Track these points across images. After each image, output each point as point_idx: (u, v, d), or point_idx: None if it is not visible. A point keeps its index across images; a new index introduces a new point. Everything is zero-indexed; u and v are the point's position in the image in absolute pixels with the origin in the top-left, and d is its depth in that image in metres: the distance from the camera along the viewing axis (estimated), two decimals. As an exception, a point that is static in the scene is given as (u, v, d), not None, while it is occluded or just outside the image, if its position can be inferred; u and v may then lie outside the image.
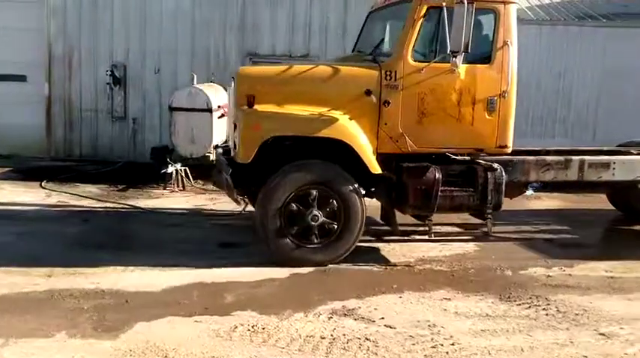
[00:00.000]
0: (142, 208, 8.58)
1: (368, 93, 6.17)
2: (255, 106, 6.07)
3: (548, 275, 6.22)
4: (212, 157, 10.46)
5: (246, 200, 6.81)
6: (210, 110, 10.18)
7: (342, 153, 6.10)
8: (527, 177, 7.07)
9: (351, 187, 6.09)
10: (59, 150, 12.19)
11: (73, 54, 12.02)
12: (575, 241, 7.73)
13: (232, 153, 6.42)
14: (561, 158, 7.26)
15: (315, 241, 6.12)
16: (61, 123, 12.15)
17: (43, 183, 9.79)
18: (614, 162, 7.36)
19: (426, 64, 6.18)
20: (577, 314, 5.15)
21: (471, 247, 7.21)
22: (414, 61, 6.21)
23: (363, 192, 6.35)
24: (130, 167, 11.45)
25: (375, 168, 6.06)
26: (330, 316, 4.96)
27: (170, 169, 9.97)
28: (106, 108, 12.05)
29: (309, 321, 4.85)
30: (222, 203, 9.11)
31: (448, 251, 7.01)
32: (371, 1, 7.81)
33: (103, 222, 7.78)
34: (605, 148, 8.43)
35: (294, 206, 6.04)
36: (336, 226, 6.13)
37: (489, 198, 6.30)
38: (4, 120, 12.07)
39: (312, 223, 6.05)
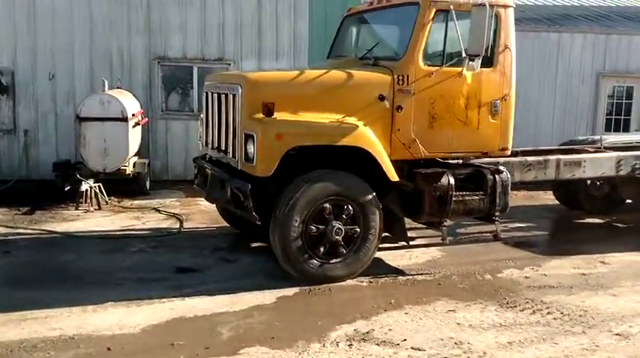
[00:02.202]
0: (64, 233, 7.48)
1: (381, 98, 5.97)
2: (275, 114, 5.60)
3: (526, 277, 6.28)
4: (128, 171, 9.55)
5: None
6: (125, 119, 9.25)
7: (356, 162, 5.80)
8: (512, 178, 7.07)
9: (370, 197, 5.81)
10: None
11: (-54, 57, 10.34)
12: (527, 239, 7.93)
13: (241, 167, 5.77)
14: (540, 158, 7.50)
15: (344, 253, 5.80)
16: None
17: None
18: (585, 161, 7.74)
19: (437, 68, 6.07)
20: (581, 316, 5.18)
21: (433, 253, 7.10)
22: (425, 65, 6.05)
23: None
24: (25, 185, 10.11)
25: (394, 176, 5.82)
26: (349, 343, 4.52)
27: (84, 186, 8.85)
28: (-8, 120, 10.52)
29: (331, 352, 4.37)
30: (150, 221, 8.33)
31: (416, 258, 6.85)
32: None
33: (27, 253, 6.63)
34: (561, 147, 8.86)
35: (314, 225, 5.66)
36: (358, 229, 5.81)
37: (498, 200, 6.25)
38: None
39: (335, 237, 5.70)
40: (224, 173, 6.11)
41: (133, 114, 9.51)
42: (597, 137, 9.36)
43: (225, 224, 7.61)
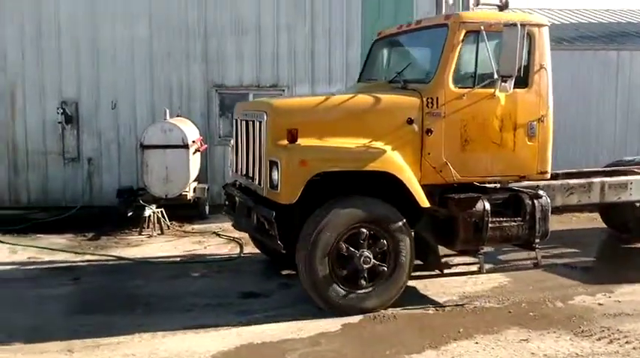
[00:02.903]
0: (130, 259, 7.65)
1: (410, 121, 5.85)
2: (299, 141, 5.59)
3: (600, 304, 6.03)
4: (189, 196, 9.74)
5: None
6: (186, 146, 9.47)
7: (382, 188, 5.67)
8: (554, 202, 6.91)
9: (400, 224, 5.66)
10: (3, 197, 10.89)
11: (16, 91, 10.86)
12: (593, 264, 7.66)
13: (265, 194, 5.76)
14: (584, 181, 7.25)
15: (365, 285, 5.61)
16: (4, 168, 10.89)
17: (-1, 237, 8.59)
18: (631, 183, 7.46)
19: (468, 89, 5.93)
20: (664, 346, 4.95)
21: (499, 278, 6.91)
22: (455, 87, 5.93)
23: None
24: (89, 212, 10.40)
25: (424, 201, 5.66)
26: (421, 373, 4.44)
27: (147, 212, 9.07)
28: (57, 149, 10.94)
29: (404, 382, 4.30)
30: (212, 246, 8.45)
31: (482, 285, 6.68)
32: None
33: (96, 279, 6.80)
34: (605, 169, 8.57)
35: (343, 248, 5.53)
36: (386, 268, 5.65)
37: (537, 226, 6.03)
38: None
39: (364, 266, 5.56)
40: (251, 200, 6.09)
41: (193, 141, 9.72)
42: None
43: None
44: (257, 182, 6.04)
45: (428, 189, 5.83)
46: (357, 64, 11.61)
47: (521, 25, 5.52)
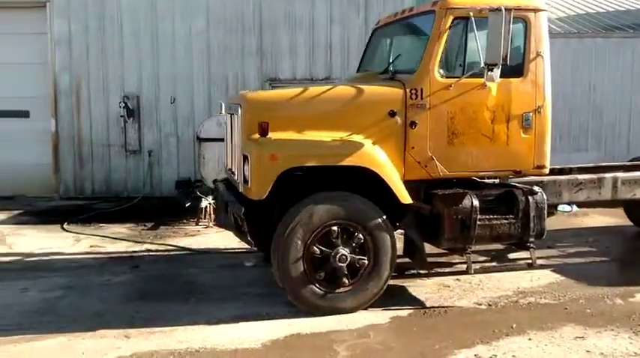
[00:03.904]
0: (187, 248, 7.88)
1: (392, 114, 5.54)
2: (270, 134, 5.37)
3: (663, 302, 5.78)
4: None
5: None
6: (241, 139, 9.59)
7: (364, 183, 5.44)
8: (560, 198, 6.59)
9: (380, 221, 5.40)
10: (69, 188, 11.40)
11: (81, 86, 11.35)
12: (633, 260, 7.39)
13: (241, 189, 5.55)
14: (594, 176, 6.82)
15: (347, 284, 5.41)
16: (70, 160, 11.39)
17: (64, 226, 9.00)
18: None
19: (455, 79, 5.56)
20: None
21: (555, 274, 6.71)
22: (442, 77, 5.59)
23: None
24: (149, 202, 10.76)
25: (406, 197, 5.39)
26: (471, 368, 4.38)
27: (203, 203, 9.28)
28: (119, 142, 11.36)
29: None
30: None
31: (538, 280, 6.50)
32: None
33: (154, 268, 7.03)
34: (627, 163, 8.11)
35: (317, 247, 5.32)
36: (366, 261, 5.43)
37: (532, 225, 5.66)
38: (7, 159, 11.29)
39: (340, 264, 5.33)
40: (231, 195, 5.86)
41: (247, 134, 9.86)
42: None
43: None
44: (236, 177, 5.85)
45: (413, 185, 5.60)
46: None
47: (506, 9, 5.13)
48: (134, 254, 7.62)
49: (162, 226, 9.16)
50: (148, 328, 5.13)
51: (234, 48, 11.39)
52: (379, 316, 5.44)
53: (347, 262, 5.35)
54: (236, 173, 5.82)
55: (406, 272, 6.57)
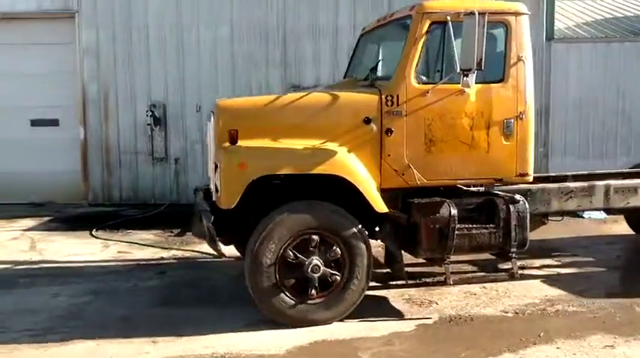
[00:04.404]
0: (213, 254, 7.92)
1: (367, 121, 5.41)
2: (240, 142, 5.29)
3: (694, 311, 5.65)
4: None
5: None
6: (265, 146, 9.65)
7: (341, 191, 5.32)
8: (549, 207, 6.36)
9: (355, 230, 5.27)
10: (97, 195, 11.59)
11: (109, 94, 11.53)
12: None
13: (214, 198, 5.48)
14: (585, 184, 6.60)
15: (315, 295, 5.27)
16: (99, 167, 11.58)
17: (93, 232, 9.16)
18: None
19: (432, 85, 5.44)
20: None
21: (583, 281, 6.62)
22: (418, 83, 5.47)
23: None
24: (175, 209, 10.86)
25: (380, 206, 5.26)
26: (498, 376, 4.34)
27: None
28: (146, 150, 11.52)
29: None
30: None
31: (565, 287, 6.40)
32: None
33: (180, 273, 7.10)
34: (628, 171, 7.91)
35: (290, 256, 5.21)
36: (339, 277, 5.30)
37: (513, 234, 5.48)
38: (37, 167, 11.53)
39: (313, 275, 5.22)
40: (205, 204, 5.78)
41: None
42: None
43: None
44: (212, 185, 5.78)
45: (391, 194, 5.49)
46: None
47: (480, 13, 5.00)
48: (161, 260, 7.71)
49: (189, 232, 9.21)
50: (175, 333, 5.18)
51: (259, 56, 11.48)
52: (404, 323, 5.43)
53: (320, 273, 5.23)
54: (211, 181, 5.78)
55: (390, 283, 6.41)
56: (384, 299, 6.10)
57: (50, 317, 5.60)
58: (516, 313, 5.66)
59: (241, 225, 5.48)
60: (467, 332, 5.25)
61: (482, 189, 5.97)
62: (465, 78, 5.17)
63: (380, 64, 6.11)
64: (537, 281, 6.59)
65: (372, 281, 5.59)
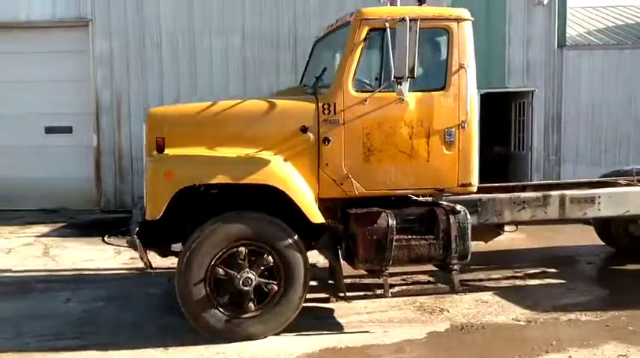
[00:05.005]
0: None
1: (304, 130, 5.27)
2: (168, 151, 5.13)
3: None
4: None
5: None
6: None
7: (278, 202, 5.16)
8: (501, 218, 6.23)
9: (290, 241, 5.11)
10: (110, 201, 11.69)
11: (122, 101, 11.67)
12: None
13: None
14: (539, 194, 6.40)
15: (252, 309, 5.11)
16: (111, 174, 11.70)
17: (105, 238, 9.23)
18: (600, 196, 6.50)
19: (370, 94, 5.28)
20: None
21: (597, 291, 6.61)
22: (356, 91, 5.31)
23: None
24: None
25: (316, 216, 5.10)
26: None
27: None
28: (158, 156, 11.58)
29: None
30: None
31: (578, 296, 6.38)
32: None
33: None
34: (593, 180, 7.80)
35: (221, 269, 5.04)
36: (276, 286, 5.15)
37: (454, 246, 5.32)
38: (50, 174, 11.67)
39: (245, 288, 5.04)
40: (139, 215, 5.57)
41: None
42: None
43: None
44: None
45: (330, 203, 5.38)
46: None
47: (411, 19, 4.86)
48: (172, 266, 7.72)
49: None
50: (186, 340, 5.18)
51: (270, 63, 11.56)
52: (416, 331, 5.41)
53: (253, 285, 5.07)
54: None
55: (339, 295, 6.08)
56: (396, 306, 6.09)
57: (62, 323, 5.64)
58: (529, 321, 5.63)
59: (179, 236, 5.36)
60: (478, 340, 5.22)
61: (430, 199, 5.78)
62: (398, 86, 5.02)
63: (327, 71, 5.88)
64: (550, 290, 6.55)
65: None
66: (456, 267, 5.44)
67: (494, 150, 13.36)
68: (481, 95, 11.73)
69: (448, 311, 5.90)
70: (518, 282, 6.90)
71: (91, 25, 11.59)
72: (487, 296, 6.38)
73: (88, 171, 11.77)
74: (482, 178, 11.09)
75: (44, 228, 10.06)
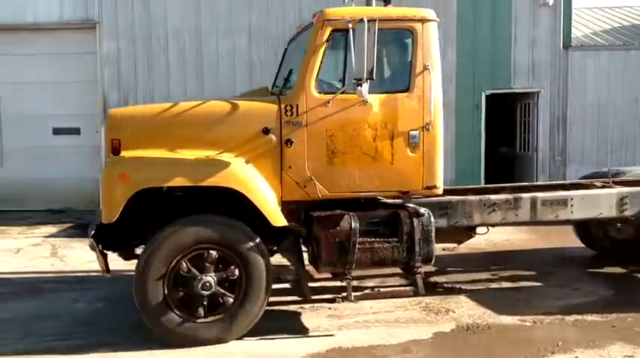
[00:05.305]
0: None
1: (266, 131, 5.19)
2: (126, 153, 5.09)
3: None
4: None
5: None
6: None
7: (241, 205, 5.08)
8: (471, 220, 6.17)
9: (252, 244, 5.03)
10: (117, 202, 11.71)
11: (129, 102, 11.73)
12: None
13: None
14: (510, 196, 6.35)
15: (202, 314, 5.03)
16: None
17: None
18: (572, 199, 6.42)
19: (333, 95, 5.21)
20: None
21: (603, 291, 6.60)
22: (319, 92, 5.25)
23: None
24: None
25: (277, 219, 5.04)
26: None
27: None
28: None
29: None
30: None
31: (585, 297, 6.38)
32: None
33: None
34: (567, 182, 7.75)
35: (180, 273, 4.98)
36: (231, 300, 5.07)
37: (417, 248, 5.24)
38: (58, 174, 11.74)
39: (203, 292, 4.97)
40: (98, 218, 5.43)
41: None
42: (630, 169, 7.75)
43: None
44: None
45: (294, 206, 5.33)
46: (452, 68, 11.51)
47: (369, 20, 4.78)
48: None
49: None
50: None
51: (276, 63, 11.53)
52: (422, 331, 5.43)
53: (210, 292, 5.00)
54: None
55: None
56: (402, 307, 6.11)
57: (70, 323, 5.69)
58: (534, 322, 5.63)
59: (143, 239, 5.29)
60: (484, 341, 5.24)
61: (400, 201, 5.69)
62: (358, 87, 4.96)
63: (294, 72, 5.76)
64: (557, 290, 6.56)
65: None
66: (419, 270, 5.37)
67: (499, 151, 13.37)
68: (486, 96, 11.80)
69: (454, 312, 5.91)
70: (523, 283, 6.90)
71: (99, 27, 11.67)
72: (493, 296, 6.39)
73: (95, 172, 11.74)
74: (488, 179, 11.21)
75: (52, 229, 10.14)
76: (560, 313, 5.86)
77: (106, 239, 5.22)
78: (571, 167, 11.34)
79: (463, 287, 6.67)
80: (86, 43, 11.76)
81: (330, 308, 6.09)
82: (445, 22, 11.49)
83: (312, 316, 5.86)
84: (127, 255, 5.59)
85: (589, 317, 5.74)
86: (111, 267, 5.56)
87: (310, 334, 5.39)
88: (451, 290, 6.60)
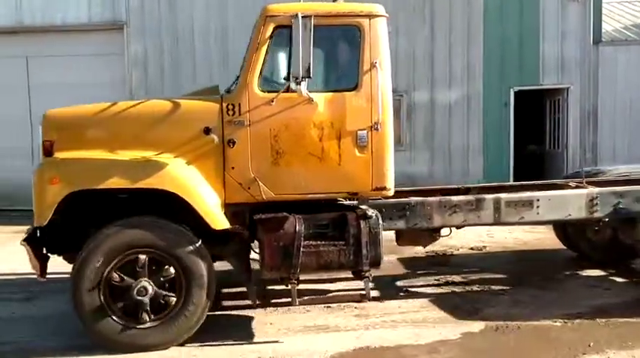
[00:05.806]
0: (256, 260, 8.04)
1: (207, 131, 5.02)
2: (59, 154, 4.97)
3: None
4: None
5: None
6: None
7: (183, 207, 4.93)
8: (431, 222, 5.92)
9: (191, 248, 4.89)
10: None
11: (156, 103, 11.83)
12: None
13: None
14: (471, 197, 6.08)
15: (147, 320, 4.90)
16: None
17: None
18: (538, 200, 6.10)
19: (276, 94, 5.05)
20: None
21: (635, 291, 6.45)
22: (262, 91, 5.09)
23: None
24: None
25: (217, 222, 4.89)
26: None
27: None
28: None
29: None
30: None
31: (617, 297, 6.25)
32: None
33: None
34: (541, 182, 7.44)
35: (116, 277, 4.86)
36: (174, 299, 4.97)
37: (364, 252, 5.06)
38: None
39: (140, 298, 4.85)
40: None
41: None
42: (611, 168, 7.40)
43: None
44: None
45: (238, 209, 5.18)
46: (479, 65, 11.39)
47: (304, 16, 4.68)
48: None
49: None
50: (221, 337, 5.27)
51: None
52: (450, 331, 5.38)
53: (149, 295, 4.87)
54: None
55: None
56: (429, 306, 6.07)
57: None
58: (565, 322, 5.54)
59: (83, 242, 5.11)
60: (513, 341, 5.17)
61: (354, 202, 5.52)
62: (297, 86, 4.86)
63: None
64: (588, 290, 6.45)
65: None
66: (367, 274, 5.18)
67: (528, 149, 13.19)
68: (515, 93, 11.64)
69: (482, 312, 5.85)
70: (552, 283, 6.79)
71: (126, 28, 11.83)
72: (523, 296, 6.31)
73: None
74: (517, 177, 11.05)
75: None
76: (592, 313, 5.76)
77: (49, 242, 5.14)
78: (602, 164, 11.10)
79: (492, 287, 6.59)
80: (114, 45, 11.93)
81: (356, 307, 6.08)
82: (470, 18, 11.44)
83: (339, 314, 5.85)
84: (71, 259, 5.30)
85: (622, 318, 5.62)
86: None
87: (338, 332, 5.38)
88: (480, 291, 6.52)
